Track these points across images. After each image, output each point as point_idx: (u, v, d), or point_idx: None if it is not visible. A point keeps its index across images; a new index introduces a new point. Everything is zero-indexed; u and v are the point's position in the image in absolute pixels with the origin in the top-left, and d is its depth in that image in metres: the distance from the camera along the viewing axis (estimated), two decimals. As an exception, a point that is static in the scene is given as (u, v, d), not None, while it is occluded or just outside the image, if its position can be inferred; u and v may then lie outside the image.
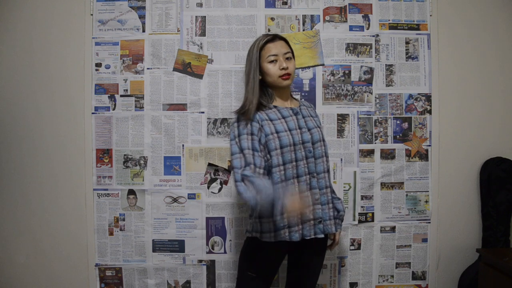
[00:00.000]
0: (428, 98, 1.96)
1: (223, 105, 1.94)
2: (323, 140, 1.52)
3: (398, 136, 1.96)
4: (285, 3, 1.94)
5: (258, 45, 1.48)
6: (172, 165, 1.94)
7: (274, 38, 1.49)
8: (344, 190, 1.95)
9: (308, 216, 1.43)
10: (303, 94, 1.94)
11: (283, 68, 1.45)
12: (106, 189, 1.95)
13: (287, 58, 1.48)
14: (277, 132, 1.43)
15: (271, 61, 1.46)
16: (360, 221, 1.96)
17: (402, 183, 1.97)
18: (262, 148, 1.42)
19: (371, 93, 1.95)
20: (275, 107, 1.50)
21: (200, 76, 1.94)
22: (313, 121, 1.55)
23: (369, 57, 1.95)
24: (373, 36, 1.96)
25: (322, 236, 1.46)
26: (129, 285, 1.96)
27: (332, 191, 1.58)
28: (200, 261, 1.95)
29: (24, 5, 1.93)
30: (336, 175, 1.95)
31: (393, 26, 1.96)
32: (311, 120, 1.54)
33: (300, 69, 1.93)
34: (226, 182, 1.95)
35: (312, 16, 1.94)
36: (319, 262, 1.57)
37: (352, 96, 1.95)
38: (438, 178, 1.97)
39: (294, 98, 1.62)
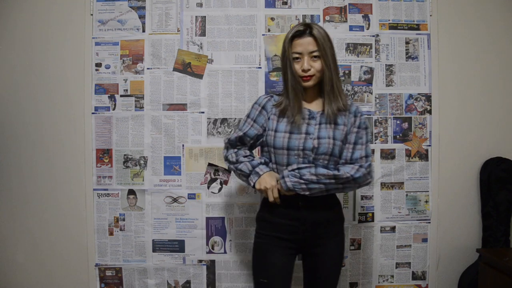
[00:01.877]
0: (428, 98, 1.96)
1: (223, 105, 1.93)
2: (341, 158, 1.39)
3: (398, 136, 1.96)
4: (285, 3, 1.94)
5: (287, 38, 1.38)
6: (172, 165, 1.94)
7: (303, 33, 1.36)
8: (344, 190, 1.95)
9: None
10: (303, 94, 1.94)
11: (303, 70, 1.36)
12: (106, 189, 1.95)
13: (314, 57, 1.36)
14: (275, 131, 1.40)
15: (295, 58, 1.37)
16: (360, 221, 1.96)
17: (402, 183, 1.97)
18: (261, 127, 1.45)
19: (371, 93, 1.95)
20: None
21: (200, 76, 1.94)
22: (332, 130, 1.39)
23: (369, 57, 1.95)
24: (373, 36, 1.95)
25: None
26: (129, 285, 1.96)
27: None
28: (200, 261, 1.95)
29: (24, 5, 1.93)
30: (336, 175, 1.95)
31: (393, 26, 1.96)
32: (329, 129, 1.39)
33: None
34: (226, 182, 1.95)
35: (312, 16, 1.94)
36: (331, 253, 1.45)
37: (352, 96, 1.95)
38: (438, 178, 1.96)
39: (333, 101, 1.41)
